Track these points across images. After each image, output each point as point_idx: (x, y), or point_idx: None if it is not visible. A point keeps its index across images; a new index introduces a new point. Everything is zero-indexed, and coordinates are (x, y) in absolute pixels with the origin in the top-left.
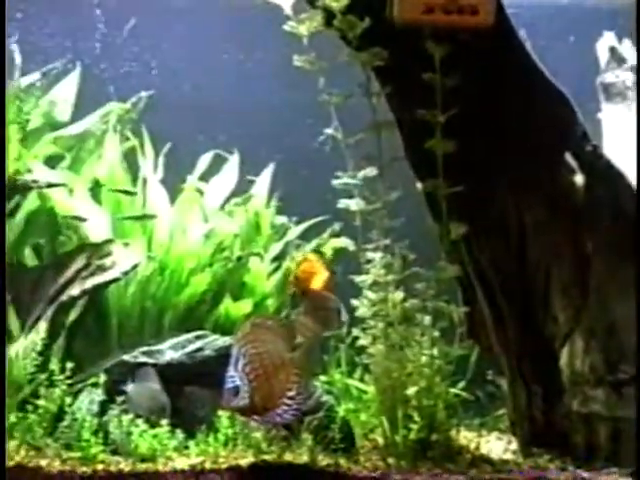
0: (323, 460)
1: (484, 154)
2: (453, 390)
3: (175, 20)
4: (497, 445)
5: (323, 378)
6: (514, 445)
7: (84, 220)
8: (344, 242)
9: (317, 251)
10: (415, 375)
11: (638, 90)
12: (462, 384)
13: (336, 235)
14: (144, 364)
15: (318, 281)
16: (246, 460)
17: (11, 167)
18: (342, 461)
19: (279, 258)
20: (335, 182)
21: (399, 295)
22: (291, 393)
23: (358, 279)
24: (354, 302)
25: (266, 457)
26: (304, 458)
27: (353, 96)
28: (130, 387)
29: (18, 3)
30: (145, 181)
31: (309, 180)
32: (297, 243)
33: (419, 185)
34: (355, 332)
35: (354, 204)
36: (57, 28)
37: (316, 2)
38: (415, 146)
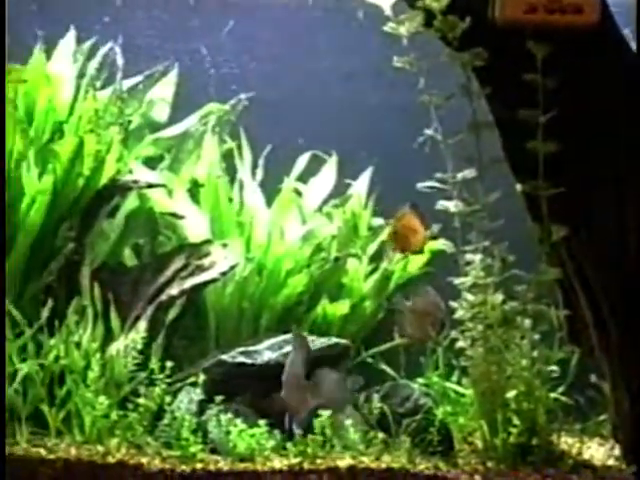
0: (421, 463)
1: (584, 154)
2: (553, 394)
3: (274, 21)
4: (600, 451)
5: (420, 380)
6: (617, 451)
7: (181, 217)
8: (443, 244)
9: (414, 207)
10: (514, 378)
11: (638, 91)
12: (562, 388)
13: (434, 237)
14: (243, 364)
15: (418, 239)
16: (344, 462)
17: (112, 168)
18: (441, 464)
19: (376, 259)
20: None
21: (498, 298)
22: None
23: (457, 281)
24: (453, 304)
25: (364, 459)
26: (402, 460)
27: (453, 97)
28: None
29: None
30: (242, 183)
31: (407, 181)
32: None
33: (518, 186)
34: (453, 334)
35: (453, 206)
36: (158, 30)
37: (416, 3)
38: (514, 147)
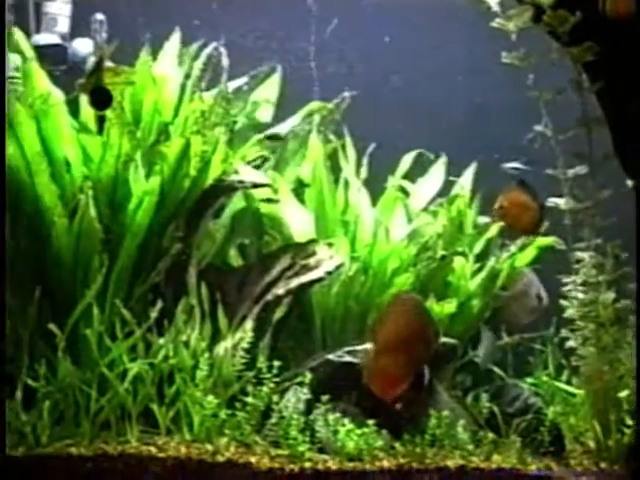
0: (532, 463)
1: None
2: None
3: (379, 19)
4: None
5: (529, 380)
6: None
7: (276, 202)
8: (553, 241)
9: (522, 182)
10: (627, 378)
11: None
12: None
13: (543, 234)
14: (350, 363)
15: (529, 216)
16: (453, 461)
17: (218, 169)
18: (552, 464)
19: (483, 257)
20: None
21: (610, 296)
22: None
23: (568, 279)
24: (563, 302)
25: (473, 459)
26: (512, 460)
27: (563, 92)
28: None
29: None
30: (347, 182)
31: (516, 178)
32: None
33: (629, 182)
34: (564, 333)
35: (564, 203)
36: (263, 30)
37: None
38: (625, 143)
